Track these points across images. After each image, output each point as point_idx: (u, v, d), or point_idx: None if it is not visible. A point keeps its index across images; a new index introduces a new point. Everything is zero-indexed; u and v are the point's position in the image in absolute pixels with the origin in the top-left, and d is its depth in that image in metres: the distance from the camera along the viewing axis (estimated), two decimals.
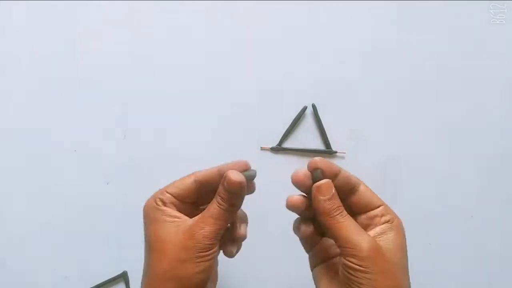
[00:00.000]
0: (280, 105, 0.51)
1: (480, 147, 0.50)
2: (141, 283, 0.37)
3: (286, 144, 0.50)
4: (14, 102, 0.52)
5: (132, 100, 0.51)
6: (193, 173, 0.39)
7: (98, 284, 0.49)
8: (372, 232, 0.36)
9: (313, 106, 0.50)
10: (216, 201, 0.37)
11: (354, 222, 0.36)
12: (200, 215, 0.37)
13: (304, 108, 0.50)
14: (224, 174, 0.37)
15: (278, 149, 0.50)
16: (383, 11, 0.52)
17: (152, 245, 0.37)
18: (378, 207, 0.37)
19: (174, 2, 0.52)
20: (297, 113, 0.50)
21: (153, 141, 0.51)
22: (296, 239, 0.49)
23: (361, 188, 0.37)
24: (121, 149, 0.51)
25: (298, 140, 0.50)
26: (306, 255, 0.48)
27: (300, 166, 0.49)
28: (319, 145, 0.50)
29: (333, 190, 0.36)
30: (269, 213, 0.49)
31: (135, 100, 0.51)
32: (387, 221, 0.37)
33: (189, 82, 0.51)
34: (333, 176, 0.37)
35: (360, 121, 0.50)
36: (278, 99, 0.51)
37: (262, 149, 0.50)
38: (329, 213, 0.36)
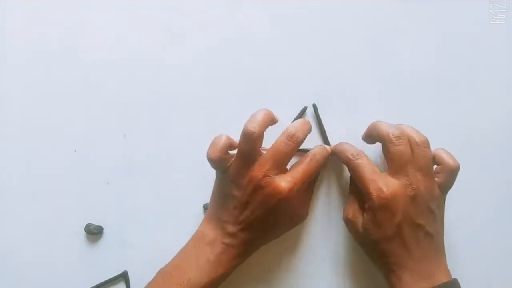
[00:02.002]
0: (280, 105, 0.51)
1: (480, 147, 0.50)
2: None
3: None
4: (14, 102, 0.52)
5: (132, 100, 0.51)
6: (316, 162, 0.45)
7: (98, 284, 0.49)
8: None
9: (313, 106, 0.50)
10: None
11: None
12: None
13: (304, 108, 0.50)
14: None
15: None
16: (383, 11, 0.52)
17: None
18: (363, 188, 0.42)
19: (173, 3, 0.52)
20: (297, 113, 0.50)
21: (153, 141, 0.51)
22: (299, 238, 0.49)
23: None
24: (121, 149, 0.51)
25: None
26: (311, 253, 0.48)
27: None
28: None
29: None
30: None
31: (135, 100, 0.51)
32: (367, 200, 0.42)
33: (189, 82, 0.51)
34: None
35: (360, 121, 0.50)
36: (278, 99, 0.51)
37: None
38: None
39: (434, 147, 0.50)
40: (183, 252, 0.45)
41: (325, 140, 0.50)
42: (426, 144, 0.43)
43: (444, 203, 0.45)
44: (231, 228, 0.43)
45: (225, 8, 0.52)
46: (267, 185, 0.41)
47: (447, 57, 0.51)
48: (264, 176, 0.42)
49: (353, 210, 0.44)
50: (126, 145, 0.51)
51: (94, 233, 0.49)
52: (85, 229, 0.49)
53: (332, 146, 0.47)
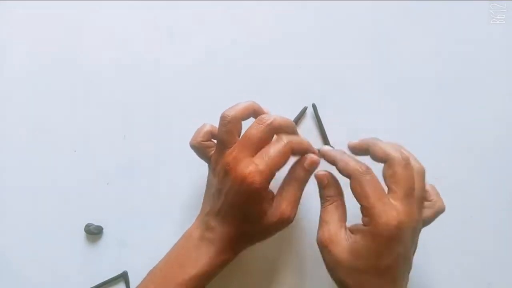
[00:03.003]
0: (280, 105, 0.51)
1: (480, 146, 0.50)
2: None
3: None
4: (13, 102, 0.52)
5: (132, 100, 0.51)
6: (290, 146, 0.40)
7: (98, 284, 0.49)
8: (354, 227, 0.39)
9: (313, 106, 0.50)
10: (296, 184, 0.42)
11: (334, 212, 0.41)
12: (284, 199, 0.42)
13: (304, 108, 0.50)
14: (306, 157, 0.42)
15: None
16: (383, 11, 0.52)
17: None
18: (362, 205, 0.38)
19: (173, 3, 0.52)
20: (297, 113, 0.50)
21: (153, 141, 0.51)
22: (298, 238, 0.49)
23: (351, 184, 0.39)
24: (121, 149, 0.51)
25: None
26: (308, 253, 0.48)
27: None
28: (319, 145, 0.50)
29: (325, 181, 0.42)
30: None
31: (135, 100, 0.51)
32: (363, 223, 0.38)
33: (189, 82, 0.51)
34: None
35: (360, 121, 0.50)
36: (278, 99, 0.51)
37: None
38: (320, 199, 0.42)
39: (435, 147, 0.50)
40: (172, 251, 0.44)
41: (325, 140, 0.50)
42: (424, 175, 0.41)
43: None
44: (211, 221, 0.42)
45: (225, 8, 0.52)
46: (233, 169, 0.39)
47: (447, 57, 0.51)
48: (232, 159, 0.39)
49: (331, 230, 0.39)
50: (126, 145, 0.51)
51: (94, 233, 0.49)
52: (85, 229, 0.49)
53: (332, 151, 0.42)
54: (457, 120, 0.51)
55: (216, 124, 0.42)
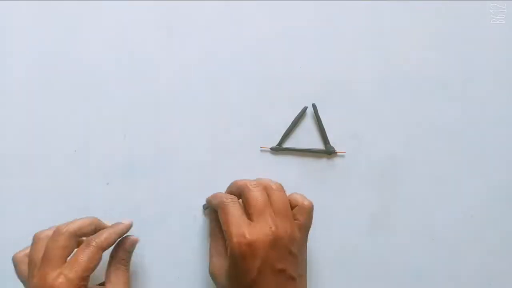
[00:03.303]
0: (280, 105, 0.51)
1: (480, 146, 0.50)
2: None
3: (286, 144, 0.50)
4: (13, 102, 0.52)
5: (132, 100, 0.51)
6: (98, 247, 0.41)
7: (98, 284, 0.49)
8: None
9: (313, 106, 0.50)
10: (122, 267, 0.44)
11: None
12: (116, 285, 0.43)
13: (304, 108, 0.50)
14: (125, 239, 0.45)
15: (278, 149, 0.50)
16: (383, 11, 0.52)
17: None
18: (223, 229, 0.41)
19: (173, 3, 0.52)
20: (297, 113, 0.50)
21: (153, 141, 0.51)
22: None
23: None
24: (121, 149, 0.51)
25: (298, 140, 0.50)
26: (308, 254, 0.48)
27: (299, 166, 0.50)
28: (319, 145, 0.50)
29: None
30: None
31: (135, 100, 0.51)
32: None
33: (189, 82, 0.51)
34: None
35: (360, 121, 0.50)
36: (278, 99, 0.51)
37: (262, 149, 0.50)
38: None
39: (434, 147, 0.50)
40: None
41: (325, 140, 0.50)
42: (280, 188, 0.43)
43: (306, 244, 0.44)
44: None
45: (225, 8, 0.52)
46: (41, 287, 0.39)
47: (447, 57, 0.51)
48: (39, 278, 0.39)
49: (215, 261, 0.43)
50: (126, 145, 0.51)
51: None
52: None
53: (209, 198, 0.46)
54: (457, 120, 0.51)
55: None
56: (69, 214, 0.50)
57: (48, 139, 0.51)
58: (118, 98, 0.51)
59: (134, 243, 0.45)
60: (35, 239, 0.42)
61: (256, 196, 0.41)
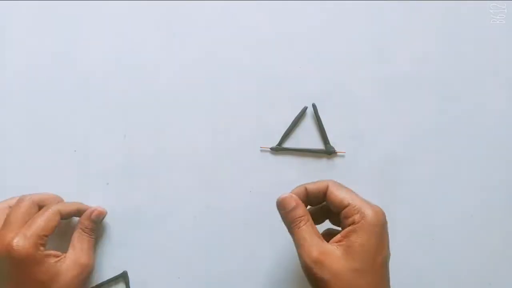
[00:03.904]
0: (280, 105, 0.51)
1: (480, 146, 0.50)
2: None
3: (286, 144, 0.50)
4: (13, 102, 0.52)
5: (132, 100, 0.51)
6: (56, 209, 0.43)
7: (98, 284, 0.49)
8: (337, 237, 0.39)
9: (313, 106, 0.50)
10: (86, 234, 0.46)
11: (311, 230, 0.40)
12: (78, 249, 0.44)
13: (304, 108, 0.50)
14: (91, 210, 0.47)
15: (278, 149, 0.50)
16: (383, 11, 0.52)
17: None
18: (345, 207, 0.39)
19: (173, 3, 0.52)
20: (297, 113, 0.50)
21: (153, 141, 0.51)
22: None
23: (329, 189, 0.40)
24: (121, 149, 0.51)
25: (298, 140, 0.50)
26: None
27: (299, 166, 0.50)
28: (319, 145, 0.50)
29: (294, 203, 0.41)
30: (269, 213, 0.49)
31: (135, 100, 0.51)
32: (352, 223, 0.38)
33: (189, 82, 0.51)
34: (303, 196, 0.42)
35: (360, 121, 0.50)
36: (278, 99, 0.51)
37: (262, 149, 0.50)
38: (291, 222, 0.40)
39: (434, 147, 0.50)
40: None
41: (325, 140, 0.50)
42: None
43: None
44: None
45: (225, 8, 0.52)
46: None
47: (447, 57, 0.51)
48: None
49: (316, 247, 0.38)
50: (126, 145, 0.51)
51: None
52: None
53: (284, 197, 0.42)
54: (457, 120, 0.51)
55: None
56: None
57: (48, 139, 0.51)
58: (118, 98, 0.51)
59: (100, 215, 0.47)
60: None
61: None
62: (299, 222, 0.40)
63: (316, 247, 0.38)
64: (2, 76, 0.52)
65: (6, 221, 0.42)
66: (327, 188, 0.41)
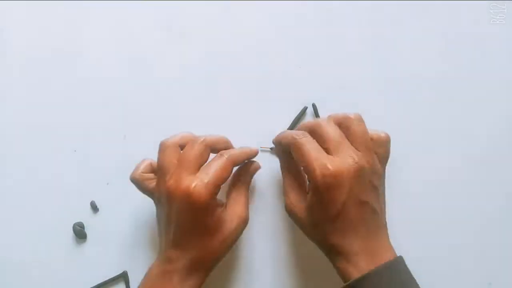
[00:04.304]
0: (280, 105, 0.51)
1: (480, 146, 0.50)
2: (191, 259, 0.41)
3: None
4: (13, 102, 0.52)
5: (132, 101, 0.51)
6: (231, 159, 0.42)
7: (98, 284, 0.49)
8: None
9: (313, 106, 0.50)
10: (243, 186, 0.46)
11: (293, 180, 0.44)
12: (237, 202, 0.44)
13: (304, 108, 0.50)
14: (250, 164, 0.47)
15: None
16: (383, 11, 0.52)
17: (211, 231, 0.41)
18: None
19: (173, 3, 0.52)
20: (297, 113, 0.50)
21: (153, 141, 0.50)
22: (297, 238, 0.49)
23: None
24: (121, 149, 0.51)
25: None
26: (306, 253, 0.48)
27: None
28: None
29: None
30: (269, 213, 0.49)
31: (135, 100, 0.51)
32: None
33: (189, 82, 0.51)
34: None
35: None
36: (278, 99, 0.51)
37: (262, 149, 0.50)
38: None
39: (434, 147, 0.50)
40: None
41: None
42: (360, 119, 0.42)
43: (385, 177, 0.43)
44: (171, 254, 0.41)
45: (225, 8, 0.52)
46: (176, 190, 0.40)
47: (447, 57, 0.51)
48: (174, 181, 0.40)
49: (292, 197, 0.43)
50: (126, 145, 0.51)
51: (81, 233, 0.49)
52: (73, 229, 0.49)
53: (277, 136, 0.45)
54: (457, 120, 0.51)
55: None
56: (70, 214, 0.50)
57: (48, 139, 0.51)
58: (118, 98, 0.51)
59: (257, 168, 0.47)
60: (163, 147, 0.43)
61: (330, 130, 0.40)
62: (285, 172, 0.45)
63: (290, 200, 0.43)
64: (2, 76, 0.52)
65: (181, 163, 0.41)
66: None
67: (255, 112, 0.51)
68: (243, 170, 0.46)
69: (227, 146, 0.45)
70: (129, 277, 0.49)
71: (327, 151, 0.40)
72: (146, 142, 0.50)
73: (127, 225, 0.50)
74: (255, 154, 0.46)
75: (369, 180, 0.40)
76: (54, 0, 0.52)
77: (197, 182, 0.39)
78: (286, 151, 0.44)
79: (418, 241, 0.49)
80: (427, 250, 0.49)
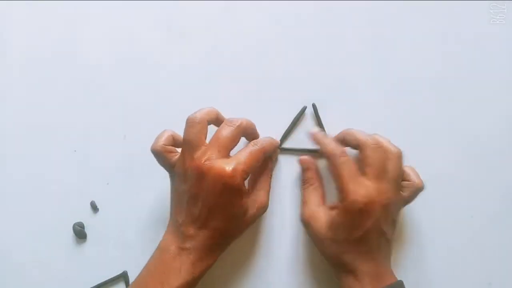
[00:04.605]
0: (280, 105, 0.51)
1: (480, 146, 0.50)
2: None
3: (286, 144, 0.50)
4: (14, 102, 0.52)
5: (132, 100, 0.51)
6: (263, 149, 0.44)
7: (98, 284, 0.49)
8: (333, 204, 0.44)
9: (313, 106, 0.50)
10: (269, 173, 0.48)
11: (313, 193, 0.47)
12: (260, 189, 0.46)
13: (304, 108, 0.50)
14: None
15: (278, 149, 0.50)
16: (383, 11, 0.52)
17: (238, 213, 0.43)
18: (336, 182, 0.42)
19: (173, 3, 0.52)
20: (297, 113, 0.50)
21: (153, 141, 0.50)
22: (298, 238, 0.49)
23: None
24: (121, 149, 0.51)
25: (298, 140, 0.50)
26: (307, 255, 0.48)
27: (299, 167, 0.50)
28: None
29: (304, 166, 0.48)
30: (269, 212, 0.49)
31: (135, 100, 0.51)
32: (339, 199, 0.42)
33: (189, 82, 0.51)
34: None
35: (360, 121, 0.50)
36: (278, 99, 0.51)
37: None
38: (302, 181, 0.48)
39: (434, 147, 0.50)
40: (147, 269, 0.43)
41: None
42: (401, 156, 0.44)
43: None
44: (190, 230, 0.41)
45: (225, 8, 0.52)
46: (210, 169, 0.40)
47: (447, 57, 0.51)
48: (206, 161, 0.40)
49: (311, 208, 0.45)
50: (126, 145, 0.51)
51: (81, 233, 0.49)
52: (73, 228, 0.49)
53: (313, 132, 0.47)
54: (457, 120, 0.50)
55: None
56: (70, 214, 0.50)
57: (48, 139, 0.51)
58: (118, 98, 0.51)
59: (277, 155, 0.49)
60: (191, 123, 0.43)
61: (379, 158, 0.42)
62: (305, 184, 0.47)
63: (309, 210, 0.45)
64: (2, 76, 0.52)
65: (215, 143, 0.42)
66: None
67: (255, 112, 0.50)
68: (268, 159, 0.48)
69: (254, 131, 0.47)
70: (129, 277, 0.49)
71: (364, 173, 0.42)
72: (146, 142, 0.50)
73: (127, 225, 0.50)
74: (278, 145, 0.48)
75: (392, 214, 0.43)
76: (54, 0, 0.52)
77: (233, 166, 0.40)
78: (311, 161, 0.48)
79: (418, 241, 0.49)
80: (427, 250, 0.49)
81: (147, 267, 0.43)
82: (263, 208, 0.46)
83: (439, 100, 0.51)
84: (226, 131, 0.42)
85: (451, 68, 0.51)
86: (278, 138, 0.50)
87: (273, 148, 0.47)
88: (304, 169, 0.48)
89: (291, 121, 0.50)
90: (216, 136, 0.42)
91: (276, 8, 0.52)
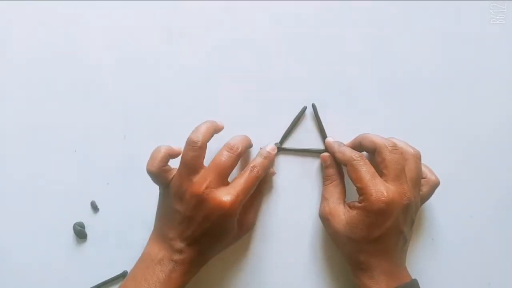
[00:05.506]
0: (280, 105, 0.51)
1: (480, 146, 0.50)
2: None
3: (286, 144, 0.50)
4: (14, 102, 0.52)
5: (132, 100, 0.51)
6: (260, 176, 0.45)
7: (98, 284, 0.49)
8: (353, 202, 0.43)
9: (313, 106, 0.50)
10: (258, 197, 0.49)
11: (333, 190, 0.46)
12: (247, 205, 0.47)
13: (304, 108, 0.50)
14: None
15: (278, 149, 0.50)
16: (383, 11, 0.52)
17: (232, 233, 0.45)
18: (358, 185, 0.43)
19: (173, 3, 0.52)
20: (297, 113, 0.50)
21: (153, 141, 0.50)
22: (298, 238, 0.49)
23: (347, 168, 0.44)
24: (121, 149, 0.51)
25: (298, 140, 0.50)
26: (307, 255, 0.48)
27: (299, 166, 0.50)
28: (319, 145, 0.50)
29: (326, 162, 0.48)
30: (269, 213, 0.49)
31: (135, 100, 0.51)
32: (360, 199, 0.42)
33: (189, 82, 0.51)
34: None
35: (360, 121, 0.50)
36: (278, 99, 0.51)
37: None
38: (323, 178, 0.48)
39: (434, 147, 0.50)
40: (131, 276, 0.44)
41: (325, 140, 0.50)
42: (420, 157, 0.45)
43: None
44: (178, 245, 0.43)
45: (225, 8, 0.52)
46: (209, 199, 0.41)
47: (447, 57, 0.51)
48: (206, 188, 0.42)
49: (331, 205, 0.45)
50: (126, 145, 0.51)
51: (81, 233, 0.49)
52: (73, 228, 0.49)
53: (329, 141, 0.48)
54: (457, 120, 0.51)
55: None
56: (70, 214, 0.50)
57: (48, 139, 0.51)
58: (118, 98, 0.51)
59: (273, 174, 0.50)
60: (191, 144, 0.43)
61: (396, 160, 0.43)
62: (326, 180, 0.47)
63: (329, 207, 0.45)
64: (2, 76, 0.52)
65: (214, 170, 0.43)
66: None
67: (255, 112, 0.51)
68: (262, 182, 0.48)
69: (249, 145, 0.48)
70: None
71: (383, 175, 0.42)
72: (146, 142, 0.50)
73: (127, 225, 0.50)
74: (272, 172, 0.49)
75: (411, 214, 0.43)
76: (54, 0, 0.52)
77: (230, 197, 0.42)
78: (331, 160, 0.48)
79: (418, 241, 0.49)
80: (427, 250, 0.49)
81: (133, 276, 0.43)
82: (250, 227, 0.48)
83: (439, 100, 0.51)
84: (226, 158, 0.43)
85: (451, 68, 0.51)
86: (278, 138, 0.50)
87: (268, 172, 0.48)
88: (326, 166, 0.48)
89: (291, 121, 0.50)
90: (216, 162, 0.43)
91: (276, 8, 0.52)
